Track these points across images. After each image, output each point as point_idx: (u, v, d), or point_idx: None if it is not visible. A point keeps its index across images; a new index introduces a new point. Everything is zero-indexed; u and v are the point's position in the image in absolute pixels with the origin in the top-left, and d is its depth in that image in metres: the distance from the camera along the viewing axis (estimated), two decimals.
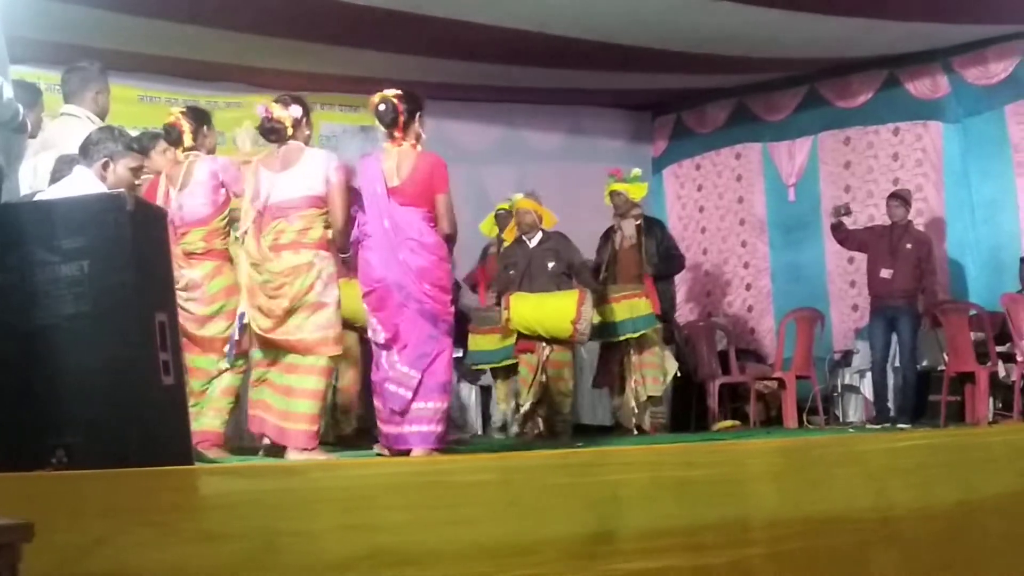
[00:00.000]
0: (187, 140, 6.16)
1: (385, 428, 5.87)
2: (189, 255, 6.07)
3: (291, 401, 5.75)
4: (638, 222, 8.76)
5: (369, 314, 5.85)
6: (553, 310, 7.74)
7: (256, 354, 5.91)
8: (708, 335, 10.24)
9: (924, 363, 9.27)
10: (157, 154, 6.48)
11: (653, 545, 3.72)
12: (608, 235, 8.83)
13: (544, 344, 7.91)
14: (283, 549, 3.20)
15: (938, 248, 9.92)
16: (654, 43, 9.04)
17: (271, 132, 5.86)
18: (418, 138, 5.92)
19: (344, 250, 6.07)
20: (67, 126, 5.75)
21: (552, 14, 8.35)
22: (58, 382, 3.93)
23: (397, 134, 5.86)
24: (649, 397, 8.46)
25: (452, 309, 5.90)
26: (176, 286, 5.93)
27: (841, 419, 9.91)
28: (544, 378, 7.94)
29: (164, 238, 4.51)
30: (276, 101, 5.88)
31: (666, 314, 8.75)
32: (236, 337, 5.91)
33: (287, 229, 5.75)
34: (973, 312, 9.04)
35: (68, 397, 3.92)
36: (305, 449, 5.71)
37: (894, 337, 9.08)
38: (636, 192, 8.77)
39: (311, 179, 5.77)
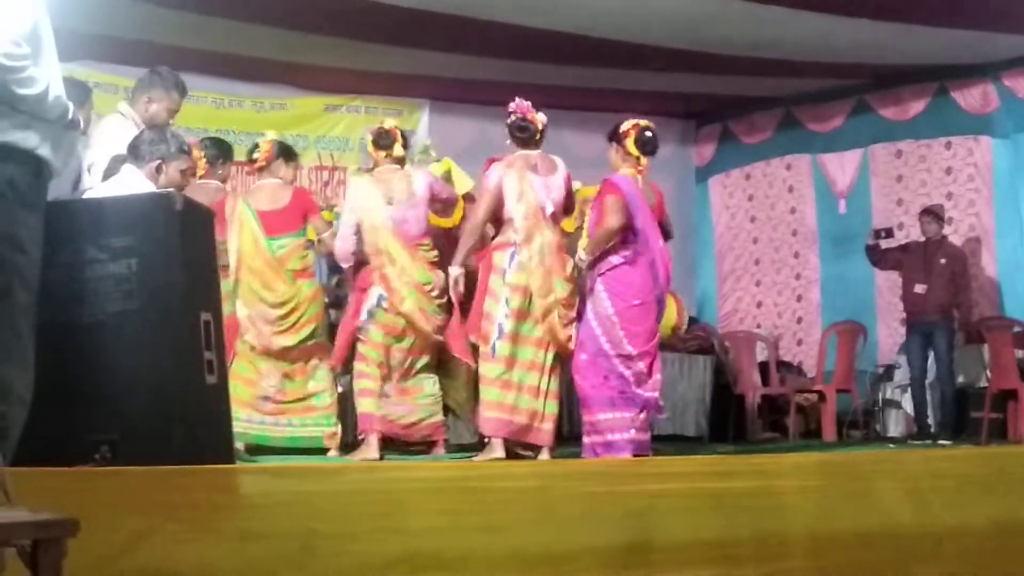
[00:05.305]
0: (397, 150, 6.45)
1: (640, 436, 6.00)
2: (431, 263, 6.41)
3: (539, 401, 6.03)
4: None
5: (621, 327, 5.99)
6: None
7: (502, 350, 6.06)
8: (748, 346, 10.19)
9: (961, 379, 9.19)
10: (292, 168, 6.96)
11: (688, 556, 3.71)
12: None
13: None
14: (319, 550, 3.22)
15: (988, 264, 9.84)
16: (699, 47, 9.01)
17: (522, 130, 6.17)
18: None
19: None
20: (108, 125, 5.76)
21: (598, 18, 8.34)
22: (103, 379, 3.99)
23: (644, 162, 6.12)
24: None
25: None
26: (428, 290, 6.31)
27: (882, 434, 9.83)
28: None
29: (211, 239, 4.56)
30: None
31: None
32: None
33: None
34: (1017, 329, 8.95)
35: (113, 394, 3.98)
36: (551, 448, 6.09)
37: (932, 353, 9.02)
38: None
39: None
